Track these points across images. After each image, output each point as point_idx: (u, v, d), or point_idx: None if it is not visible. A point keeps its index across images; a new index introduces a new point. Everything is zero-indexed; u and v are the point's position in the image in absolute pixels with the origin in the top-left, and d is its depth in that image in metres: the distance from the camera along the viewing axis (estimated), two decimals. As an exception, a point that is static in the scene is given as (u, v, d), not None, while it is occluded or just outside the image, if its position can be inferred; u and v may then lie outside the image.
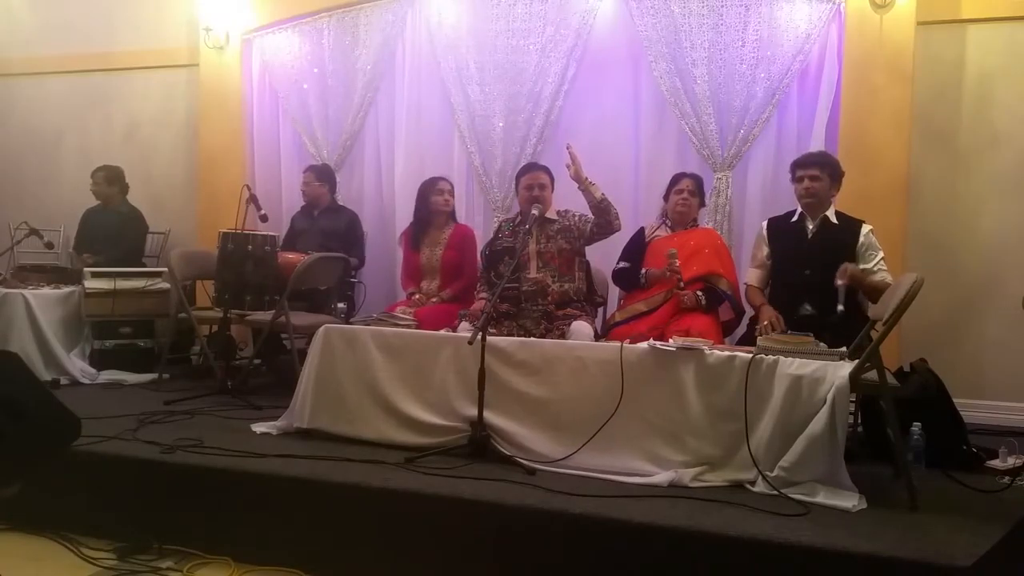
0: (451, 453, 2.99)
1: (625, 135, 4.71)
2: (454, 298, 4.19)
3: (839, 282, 3.23)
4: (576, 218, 3.81)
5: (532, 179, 3.82)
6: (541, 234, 3.77)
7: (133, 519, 2.78)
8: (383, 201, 5.23)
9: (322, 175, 4.92)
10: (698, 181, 3.90)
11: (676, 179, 3.90)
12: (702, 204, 3.96)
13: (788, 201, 3.89)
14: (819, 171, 3.55)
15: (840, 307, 3.20)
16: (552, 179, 3.86)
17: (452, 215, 4.45)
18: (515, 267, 3.59)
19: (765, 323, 3.31)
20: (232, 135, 5.45)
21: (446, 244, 4.32)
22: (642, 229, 3.94)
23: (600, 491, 2.63)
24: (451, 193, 4.39)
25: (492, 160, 4.89)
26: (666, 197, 3.92)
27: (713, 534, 2.29)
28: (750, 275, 3.70)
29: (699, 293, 3.59)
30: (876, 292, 3.24)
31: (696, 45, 4.46)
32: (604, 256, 4.06)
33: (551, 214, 3.83)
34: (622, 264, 3.86)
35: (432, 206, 4.33)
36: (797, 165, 3.64)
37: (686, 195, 3.81)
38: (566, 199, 3.90)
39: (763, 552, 2.22)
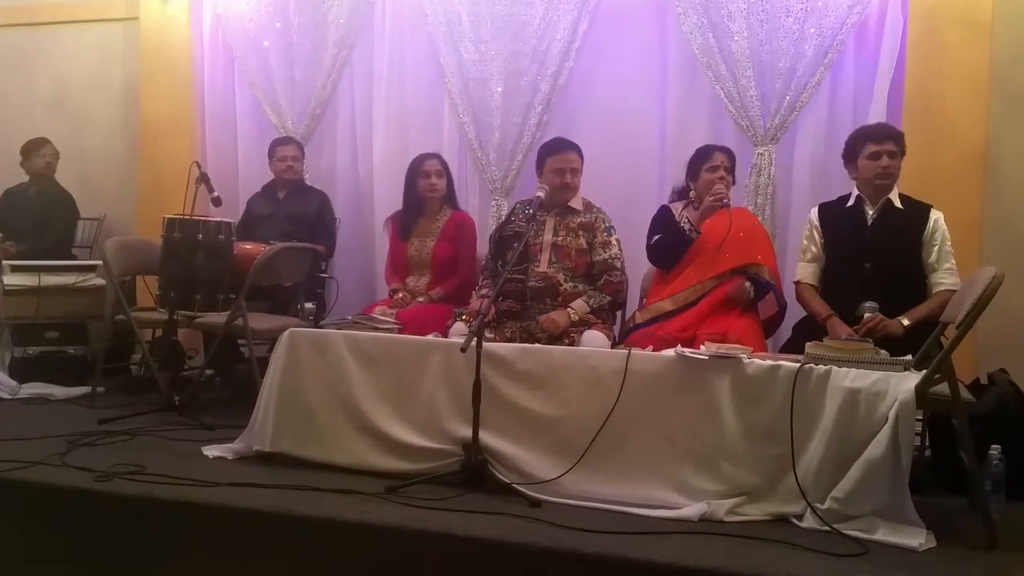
0: (441, 481, 3.00)
1: (648, 102, 4.71)
2: (445, 298, 4.18)
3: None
4: (604, 227, 3.80)
5: (564, 161, 3.80)
6: (560, 224, 3.77)
7: (64, 557, 2.79)
8: (360, 181, 5.24)
9: (301, 150, 4.96)
10: (731, 156, 3.89)
11: (706, 153, 3.87)
12: (733, 182, 3.95)
13: (841, 182, 3.89)
14: (895, 146, 3.54)
15: (906, 321, 3.28)
16: (583, 160, 3.86)
17: (448, 199, 4.43)
18: (523, 257, 3.59)
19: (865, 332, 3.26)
20: (179, 102, 5.46)
21: (439, 234, 4.31)
22: (666, 208, 3.91)
23: (618, 527, 2.63)
24: (440, 174, 4.34)
25: (489, 132, 4.89)
26: (693, 175, 3.90)
27: (753, 578, 2.29)
28: (802, 271, 3.69)
29: (747, 284, 3.60)
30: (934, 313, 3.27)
31: (733, -7, 4.46)
32: (624, 249, 4.03)
33: (575, 203, 3.83)
34: (656, 237, 3.83)
35: (419, 191, 4.32)
36: (869, 138, 3.57)
37: (723, 172, 3.79)
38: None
39: (812, 599, 2.23)
